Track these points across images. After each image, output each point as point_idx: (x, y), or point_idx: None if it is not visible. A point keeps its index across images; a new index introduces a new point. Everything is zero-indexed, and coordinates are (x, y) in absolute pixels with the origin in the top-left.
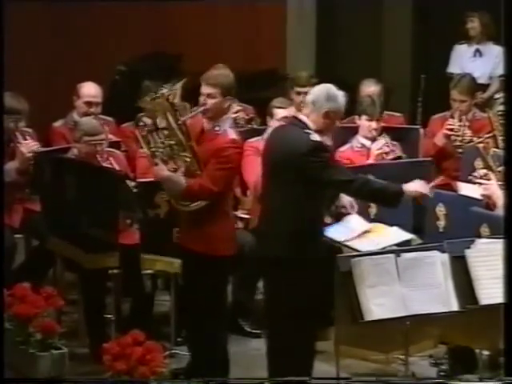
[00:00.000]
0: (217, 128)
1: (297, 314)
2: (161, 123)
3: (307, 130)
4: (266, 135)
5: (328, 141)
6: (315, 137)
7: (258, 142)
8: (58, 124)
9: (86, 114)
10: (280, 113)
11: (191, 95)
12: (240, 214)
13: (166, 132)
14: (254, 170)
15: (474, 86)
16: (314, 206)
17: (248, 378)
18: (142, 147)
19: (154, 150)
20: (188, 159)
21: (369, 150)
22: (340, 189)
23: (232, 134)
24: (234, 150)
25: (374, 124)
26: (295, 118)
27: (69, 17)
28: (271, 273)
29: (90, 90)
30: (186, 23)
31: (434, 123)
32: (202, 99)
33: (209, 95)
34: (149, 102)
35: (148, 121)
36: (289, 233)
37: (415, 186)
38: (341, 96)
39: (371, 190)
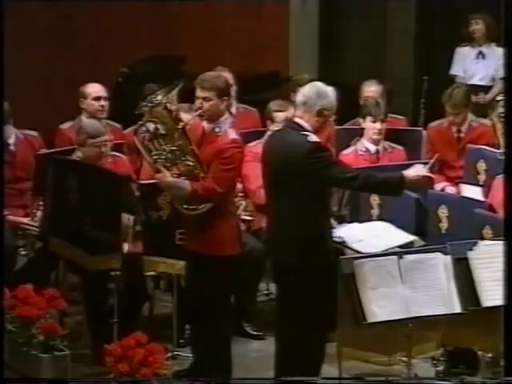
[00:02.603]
0: (217, 129)
1: (307, 317)
2: (160, 130)
3: (304, 132)
4: (264, 140)
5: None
6: (313, 138)
7: (258, 146)
8: (65, 126)
9: (98, 111)
10: (280, 116)
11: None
12: (242, 215)
13: (166, 138)
14: (254, 177)
15: (467, 97)
16: (319, 209)
17: (252, 379)
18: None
19: (155, 157)
20: (191, 163)
21: (372, 154)
22: (344, 186)
23: (232, 134)
24: (235, 149)
25: (378, 125)
26: (290, 120)
27: (70, 18)
28: (281, 277)
29: (94, 86)
30: (189, 25)
31: (431, 132)
32: (198, 103)
33: (205, 98)
34: (146, 111)
35: (148, 127)
36: (296, 238)
37: (415, 171)
38: (331, 92)
39: (374, 183)
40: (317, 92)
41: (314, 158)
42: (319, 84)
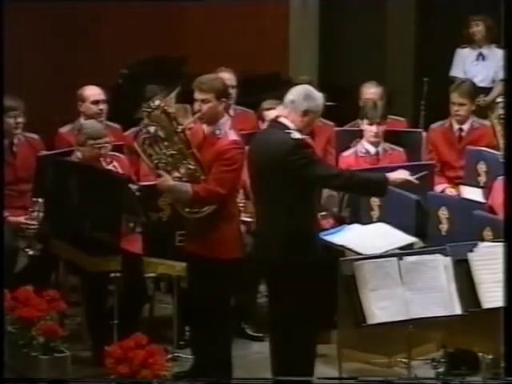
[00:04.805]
0: (217, 132)
1: (296, 317)
2: (160, 134)
3: (287, 130)
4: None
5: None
6: (295, 135)
7: None
8: (64, 130)
9: (97, 114)
10: (270, 114)
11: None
12: (243, 217)
13: (166, 142)
14: None
15: (474, 91)
16: (306, 208)
17: (252, 379)
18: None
19: (156, 161)
20: (191, 166)
21: (372, 156)
22: (326, 184)
23: (232, 136)
24: (236, 150)
25: (374, 128)
26: (275, 120)
27: (70, 20)
28: (269, 276)
29: (93, 90)
30: (188, 25)
31: (433, 133)
32: (196, 105)
33: (203, 101)
34: (145, 115)
35: (148, 131)
36: (283, 236)
37: (399, 173)
38: (319, 96)
39: (357, 182)
40: (305, 93)
41: (296, 154)
42: (310, 87)
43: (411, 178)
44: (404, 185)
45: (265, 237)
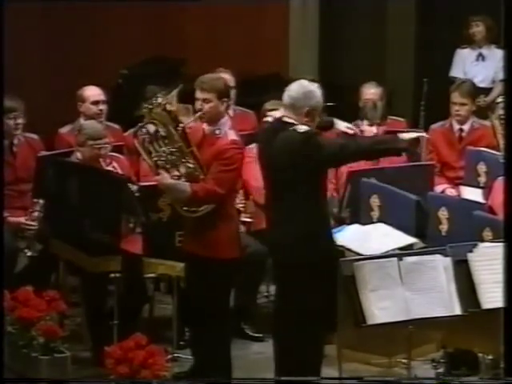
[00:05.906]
0: (217, 131)
1: (305, 317)
2: (160, 131)
3: (292, 128)
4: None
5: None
6: (301, 128)
7: None
8: (64, 130)
9: (96, 114)
10: (274, 115)
11: (194, 98)
12: (243, 217)
13: (166, 140)
14: (255, 176)
15: (475, 91)
16: (315, 207)
17: (252, 379)
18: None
19: (155, 159)
20: (191, 165)
21: None
22: (343, 157)
23: (232, 135)
24: (235, 150)
25: (374, 129)
26: (280, 120)
27: (70, 20)
28: (279, 275)
29: (93, 90)
30: (188, 26)
31: (433, 133)
32: (198, 104)
33: (204, 100)
34: (146, 112)
35: (148, 129)
36: (293, 236)
37: (406, 134)
38: (317, 90)
39: (370, 143)
40: (304, 93)
41: (308, 144)
42: (305, 83)
43: (419, 135)
44: (415, 142)
45: (275, 236)
